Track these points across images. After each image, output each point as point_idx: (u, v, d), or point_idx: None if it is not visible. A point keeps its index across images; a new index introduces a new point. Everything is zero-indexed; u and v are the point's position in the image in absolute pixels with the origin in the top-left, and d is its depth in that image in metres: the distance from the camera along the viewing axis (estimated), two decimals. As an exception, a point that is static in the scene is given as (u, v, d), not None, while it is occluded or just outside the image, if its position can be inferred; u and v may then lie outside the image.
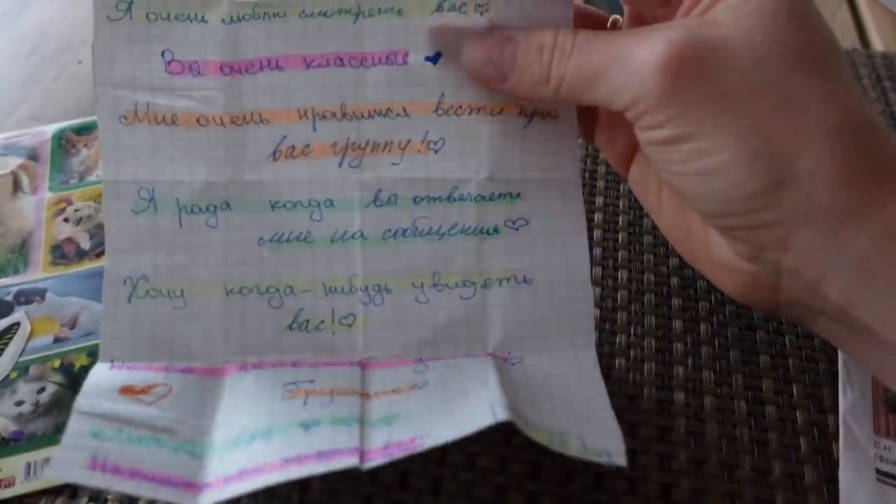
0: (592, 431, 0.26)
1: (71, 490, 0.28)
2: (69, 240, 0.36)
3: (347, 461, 0.24)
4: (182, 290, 0.29)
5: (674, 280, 0.35)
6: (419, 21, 0.30)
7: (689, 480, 0.28)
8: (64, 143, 0.41)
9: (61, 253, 0.36)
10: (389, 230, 0.30)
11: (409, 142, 0.30)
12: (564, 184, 0.30)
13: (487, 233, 0.30)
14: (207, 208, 0.30)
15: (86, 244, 0.36)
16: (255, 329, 0.29)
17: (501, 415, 0.24)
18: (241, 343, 0.29)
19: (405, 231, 0.30)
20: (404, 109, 0.30)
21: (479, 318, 0.30)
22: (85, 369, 0.31)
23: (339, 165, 0.30)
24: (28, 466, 0.28)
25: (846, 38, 0.50)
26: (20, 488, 0.28)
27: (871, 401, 0.30)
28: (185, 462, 0.25)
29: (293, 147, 0.30)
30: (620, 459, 0.25)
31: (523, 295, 0.30)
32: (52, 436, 0.29)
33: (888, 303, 0.24)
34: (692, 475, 0.29)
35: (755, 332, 0.33)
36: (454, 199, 0.30)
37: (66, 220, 0.37)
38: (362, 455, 0.24)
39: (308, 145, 0.30)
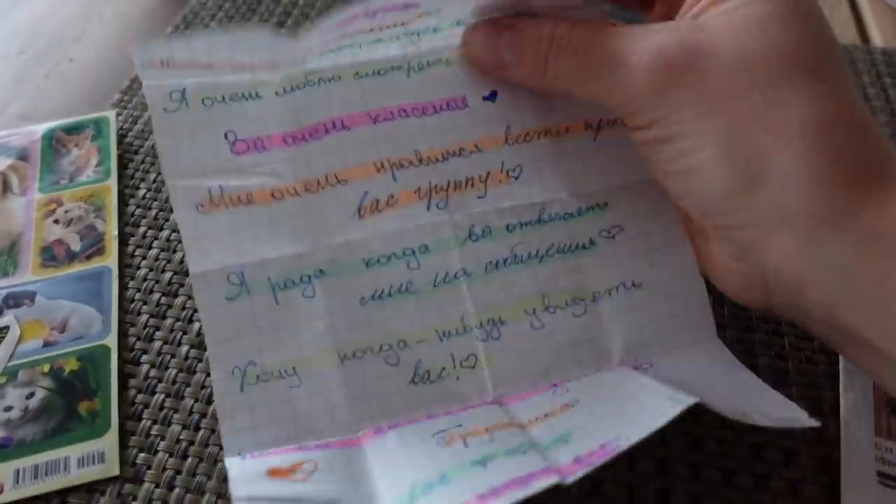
0: (766, 405, 0.26)
1: (60, 497, 0.28)
2: (59, 241, 0.36)
3: (547, 480, 0.22)
4: (294, 368, 0.28)
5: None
6: (468, 67, 0.32)
7: (688, 486, 0.28)
8: (54, 143, 0.40)
9: (51, 255, 0.35)
10: (491, 262, 0.30)
11: (488, 174, 0.31)
12: (646, 184, 0.30)
13: (584, 247, 0.30)
14: (301, 279, 0.29)
15: (76, 246, 0.36)
16: (380, 391, 0.28)
17: (688, 399, 0.23)
18: (367, 407, 0.28)
19: (506, 260, 0.30)
20: (476, 146, 0.31)
21: (598, 333, 0.30)
22: (74, 374, 0.31)
23: (427, 209, 0.30)
24: (17, 473, 0.28)
25: (845, 33, 0.50)
26: (9, 495, 0.28)
27: (872, 402, 0.30)
28: None
29: (377, 201, 0.30)
30: (810, 422, 0.25)
31: (636, 300, 0.30)
32: (42, 442, 0.29)
33: (870, 308, 0.24)
34: (690, 481, 0.28)
35: (754, 334, 0.33)
36: (544, 221, 0.30)
37: (56, 221, 0.37)
38: (559, 472, 0.23)
39: (392, 195, 0.30)
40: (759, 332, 0.33)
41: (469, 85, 0.31)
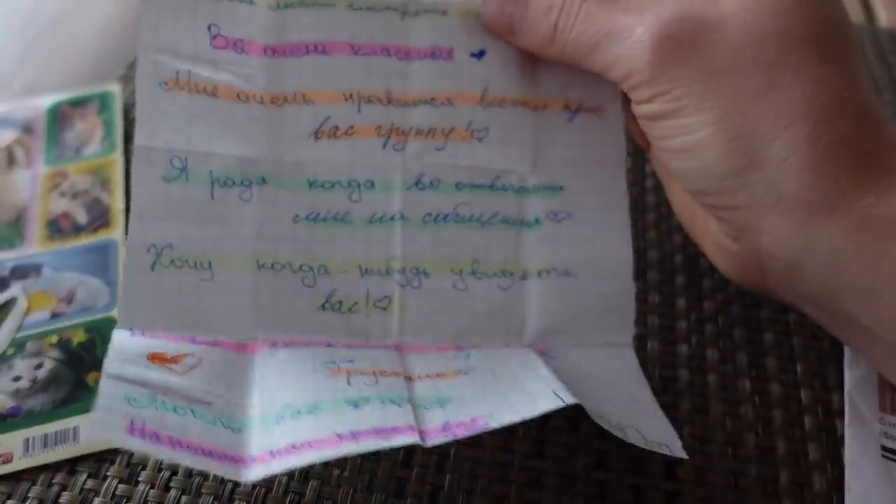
0: (646, 425, 0.26)
1: (69, 466, 0.28)
2: (65, 214, 0.36)
3: (407, 438, 0.23)
4: (210, 262, 0.28)
5: (677, 257, 0.35)
6: (463, 21, 0.31)
7: (694, 458, 0.28)
8: (59, 117, 0.40)
9: (57, 227, 0.35)
10: (430, 214, 0.30)
11: (452, 129, 0.30)
12: (609, 178, 0.30)
13: (528, 224, 0.30)
14: (242, 182, 0.29)
15: (82, 218, 0.35)
16: (286, 306, 0.28)
17: (568, 399, 0.23)
18: (271, 320, 0.28)
19: (446, 216, 0.30)
20: (449, 99, 0.30)
21: (518, 310, 0.30)
22: (83, 345, 0.31)
23: (383, 147, 0.30)
24: (26, 442, 0.28)
25: (850, 13, 0.50)
26: (18, 464, 0.28)
27: (876, 378, 0.30)
28: (224, 435, 0.24)
29: (336, 127, 0.30)
30: (680, 452, 0.25)
31: (563, 288, 0.30)
32: (51, 412, 0.29)
33: (864, 294, 0.24)
34: (696, 453, 0.28)
35: (759, 310, 0.33)
36: (496, 188, 0.30)
37: (62, 194, 0.37)
38: (422, 433, 0.24)
39: (352, 126, 0.30)
40: (764, 309, 0.33)
41: (459, 38, 0.31)
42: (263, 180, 0.29)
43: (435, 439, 0.24)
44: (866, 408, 0.29)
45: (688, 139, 0.25)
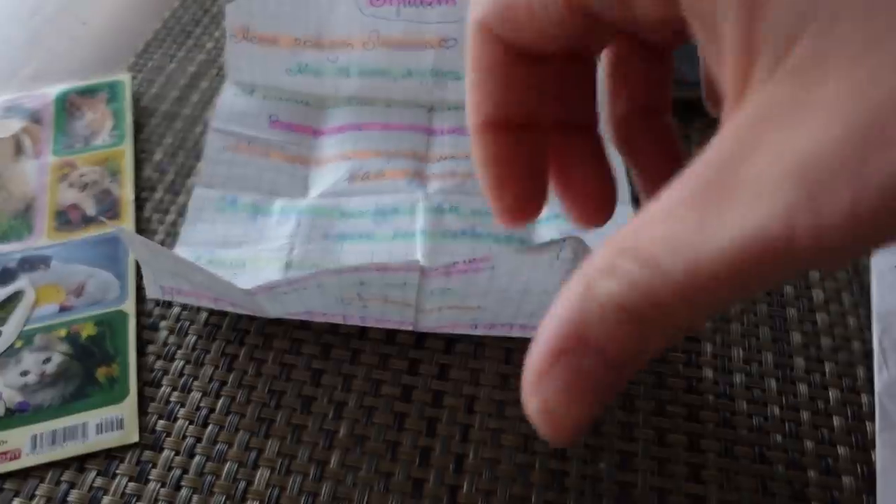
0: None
1: (78, 464, 0.27)
2: (74, 206, 0.35)
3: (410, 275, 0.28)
4: (245, 262, 0.33)
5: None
6: None
7: (720, 461, 0.27)
8: (68, 106, 0.39)
9: (66, 219, 0.34)
10: (449, 230, 0.33)
11: (470, 174, 0.34)
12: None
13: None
14: (282, 212, 0.35)
15: (91, 210, 0.35)
16: (308, 296, 0.29)
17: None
18: (290, 305, 0.30)
19: (464, 232, 0.33)
20: (467, 155, 0.34)
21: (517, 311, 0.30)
22: (92, 339, 0.30)
23: (408, 184, 0.35)
24: (34, 439, 0.27)
25: None
26: (26, 461, 0.27)
27: (907, 380, 0.29)
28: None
29: (368, 173, 0.35)
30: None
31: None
32: (59, 407, 0.28)
33: None
34: (722, 455, 0.28)
35: (785, 309, 0.32)
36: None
37: (70, 185, 0.36)
38: (422, 271, 0.27)
39: (382, 172, 0.36)
40: (790, 308, 0.32)
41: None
42: (301, 212, 0.34)
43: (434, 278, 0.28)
44: (897, 410, 0.28)
45: None
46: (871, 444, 0.28)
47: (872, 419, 0.28)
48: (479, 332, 0.31)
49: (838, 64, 0.12)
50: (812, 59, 0.13)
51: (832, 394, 0.29)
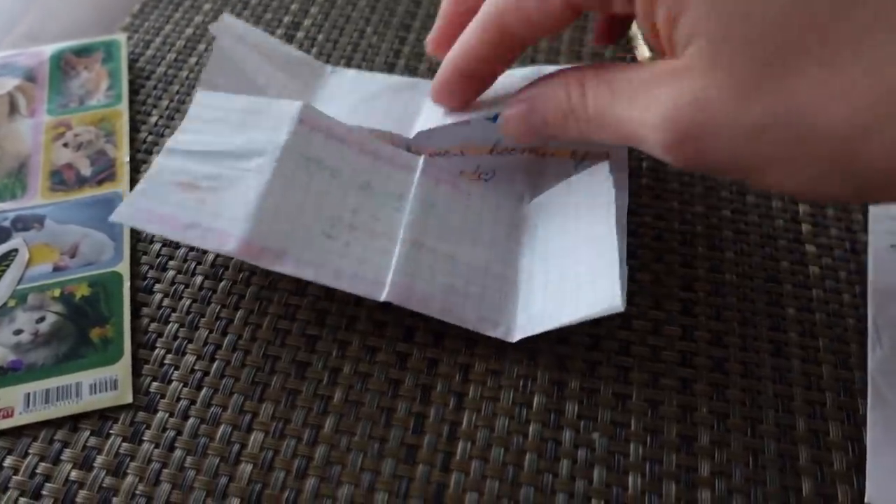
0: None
1: (72, 423, 0.27)
2: (69, 165, 0.35)
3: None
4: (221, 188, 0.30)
5: (698, 227, 0.34)
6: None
7: (711, 434, 0.28)
8: (63, 65, 0.39)
9: (61, 179, 0.34)
10: (439, 209, 0.32)
11: (461, 172, 0.34)
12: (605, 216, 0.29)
13: (527, 231, 0.32)
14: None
15: (86, 170, 0.34)
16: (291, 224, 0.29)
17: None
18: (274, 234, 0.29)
19: (455, 212, 0.32)
20: (461, 151, 0.34)
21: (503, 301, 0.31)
22: (86, 299, 0.30)
23: (399, 170, 0.32)
24: (27, 397, 0.27)
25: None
26: (19, 419, 0.27)
27: (900, 358, 0.29)
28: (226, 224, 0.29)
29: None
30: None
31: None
32: (53, 367, 0.28)
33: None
34: (714, 428, 0.28)
35: (781, 285, 0.32)
36: (500, 207, 0.33)
37: (65, 144, 0.35)
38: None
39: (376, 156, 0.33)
40: (786, 284, 0.32)
41: (477, 112, 0.31)
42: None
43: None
44: (889, 389, 0.28)
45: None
46: (863, 421, 0.28)
47: (864, 396, 0.29)
48: (442, 314, 0.29)
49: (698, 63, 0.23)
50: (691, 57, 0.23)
51: (825, 370, 0.29)
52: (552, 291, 0.29)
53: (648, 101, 0.24)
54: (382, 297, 0.28)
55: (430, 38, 0.32)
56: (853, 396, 0.29)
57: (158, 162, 0.30)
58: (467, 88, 0.30)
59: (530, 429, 0.28)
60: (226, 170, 0.30)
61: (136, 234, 0.32)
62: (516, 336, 0.29)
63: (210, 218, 0.28)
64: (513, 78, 0.31)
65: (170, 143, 0.30)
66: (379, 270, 0.29)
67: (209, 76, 0.35)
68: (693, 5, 0.22)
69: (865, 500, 0.26)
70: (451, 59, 0.29)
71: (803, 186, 0.23)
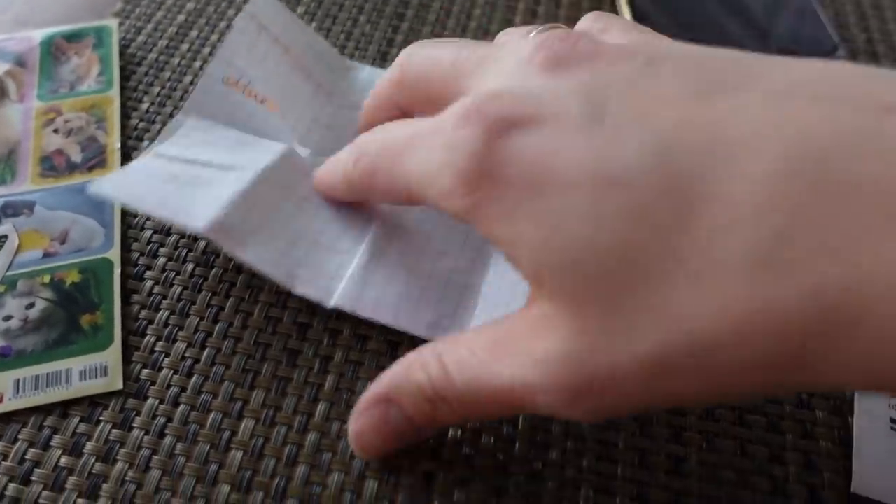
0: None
1: (61, 409, 0.27)
2: (59, 151, 0.34)
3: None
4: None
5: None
6: None
7: (700, 424, 0.28)
8: (54, 50, 0.38)
9: (51, 165, 0.34)
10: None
11: None
12: None
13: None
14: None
15: (77, 157, 0.34)
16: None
17: None
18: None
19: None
20: None
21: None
22: (76, 286, 0.30)
23: None
24: (17, 383, 0.27)
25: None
26: (9, 405, 0.27)
27: (887, 349, 0.29)
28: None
29: None
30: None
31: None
32: (42, 353, 0.28)
33: None
34: (703, 418, 0.28)
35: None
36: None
37: (55, 130, 0.35)
38: None
39: None
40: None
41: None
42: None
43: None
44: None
45: None
46: (850, 410, 0.28)
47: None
48: (394, 321, 0.29)
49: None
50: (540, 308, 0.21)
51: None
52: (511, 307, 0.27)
53: (523, 357, 0.20)
54: (331, 304, 0.28)
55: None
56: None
57: (144, 158, 0.31)
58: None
59: (521, 419, 0.28)
60: (206, 173, 0.30)
61: (126, 221, 0.32)
62: None
63: (186, 200, 0.28)
64: None
65: (157, 148, 0.32)
66: (332, 279, 0.29)
67: (226, 53, 0.35)
68: (523, 241, 0.20)
69: (851, 489, 0.26)
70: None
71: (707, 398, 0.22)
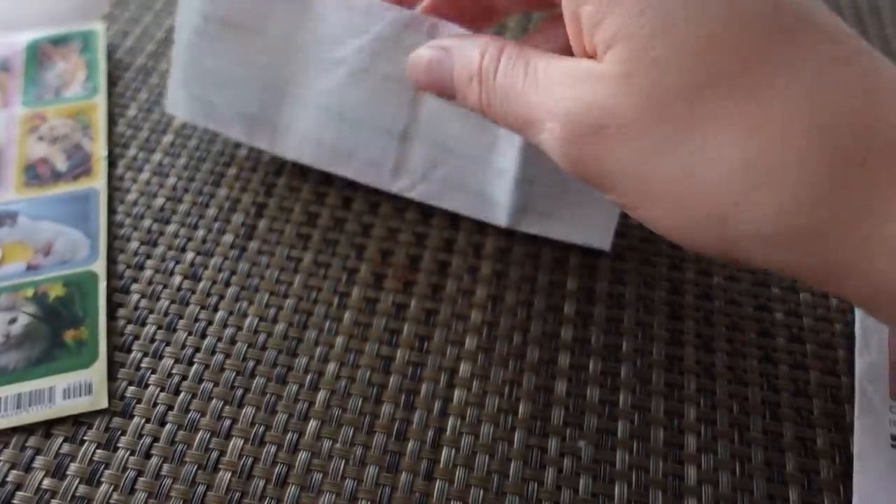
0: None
1: (44, 429, 0.26)
2: (44, 160, 0.34)
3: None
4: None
5: (686, 230, 0.33)
6: None
7: (698, 439, 0.27)
8: (38, 55, 0.37)
9: (35, 174, 0.33)
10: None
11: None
12: None
13: None
14: None
15: (62, 165, 0.33)
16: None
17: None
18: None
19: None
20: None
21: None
22: (60, 300, 0.29)
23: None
24: (-2, 402, 0.27)
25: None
26: (-10, 425, 0.26)
27: (887, 365, 0.29)
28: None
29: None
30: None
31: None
32: (25, 370, 0.27)
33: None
34: (701, 434, 0.27)
35: (769, 289, 0.32)
36: None
37: (40, 138, 0.34)
38: None
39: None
40: (774, 288, 0.32)
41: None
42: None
43: None
44: (876, 396, 0.28)
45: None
46: (849, 429, 0.28)
47: (851, 403, 0.28)
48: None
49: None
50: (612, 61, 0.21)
51: (812, 375, 0.29)
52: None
53: (557, 91, 0.23)
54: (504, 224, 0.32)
55: None
56: (840, 403, 0.29)
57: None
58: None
59: (515, 435, 0.27)
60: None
61: (112, 232, 0.32)
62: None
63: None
64: None
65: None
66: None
67: (179, 51, 0.32)
68: (620, 9, 0.21)
69: (852, 509, 0.26)
70: None
71: (678, 232, 0.22)
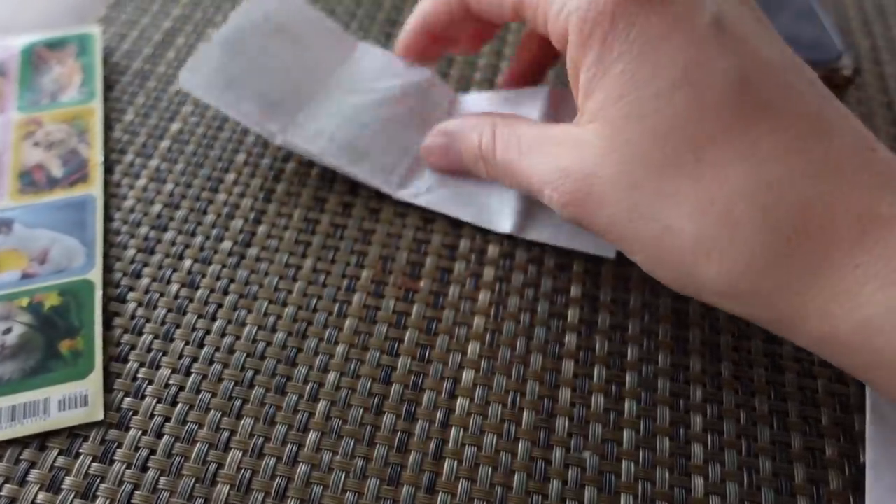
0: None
1: (39, 441, 0.26)
2: (39, 166, 0.33)
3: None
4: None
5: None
6: None
7: (705, 450, 0.27)
8: (34, 59, 0.37)
9: (30, 180, 0.33)
10: None
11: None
12: None
13: None
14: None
15: (58, 171, 0.33)
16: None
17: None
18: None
19: None
20: None
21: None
22: (55, 309, 0.29)
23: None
24: (-8, 414, 0.26)
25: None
26: (-16, 438, 0.26)
27: (897, 377, 0.28)
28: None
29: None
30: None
31: None
32: (19, 382, 0.27)
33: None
34: (708, 445, 0.27)
35: (776, 295, 0.31)
36: None
37: (36, 143, 0.34)
38: None
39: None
40: (781, 294, 0.31)
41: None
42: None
43: None
44: (888, 406, 0.28)
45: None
46: (859, 438, 0.27)
47: (860, 412, 0.28)
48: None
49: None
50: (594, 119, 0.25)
51: (820, 384, 0.29)
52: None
53: (549, 161, 0.26)
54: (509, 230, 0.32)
55: (400, 41, 0.34)
56: (848, 412, 0.28)
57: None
58: (427, 45, 0.34)
59: (519, 446, 0.27)
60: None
61: (109, 240, 0.31)
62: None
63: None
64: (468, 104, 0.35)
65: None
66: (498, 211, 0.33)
67: (228, 31, 0.33)
68: (605, 88, 0.24)
69: (863, 521, 0.25)
70: (413, 16, 0.33)
71: (660, 276, 0.25)
